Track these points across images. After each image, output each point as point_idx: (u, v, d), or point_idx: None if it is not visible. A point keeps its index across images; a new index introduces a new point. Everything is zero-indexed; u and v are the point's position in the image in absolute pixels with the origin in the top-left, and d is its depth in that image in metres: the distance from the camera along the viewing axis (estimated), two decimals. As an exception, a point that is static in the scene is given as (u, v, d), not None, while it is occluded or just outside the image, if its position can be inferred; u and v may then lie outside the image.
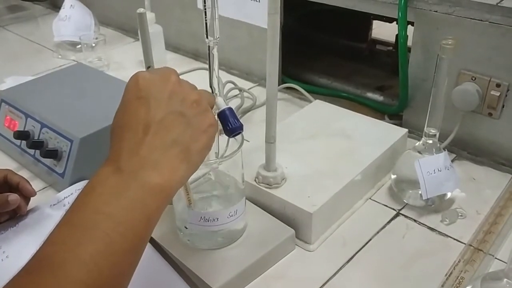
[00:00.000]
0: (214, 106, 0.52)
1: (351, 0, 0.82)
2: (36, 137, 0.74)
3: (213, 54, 0.50)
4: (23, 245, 0.60)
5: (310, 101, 0.90)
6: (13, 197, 0.61)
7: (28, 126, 0.76)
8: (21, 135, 0.75)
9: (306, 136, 0.74)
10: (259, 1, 0.95)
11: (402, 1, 0.74)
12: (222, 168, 0.58)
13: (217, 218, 0.55)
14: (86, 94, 0.82)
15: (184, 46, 1.18)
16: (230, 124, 0.49)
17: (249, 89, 0.99)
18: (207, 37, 0.50)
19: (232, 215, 0.56)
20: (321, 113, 0.81)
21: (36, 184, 0.74)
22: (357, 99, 0.95)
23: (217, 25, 0.49)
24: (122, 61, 1.15)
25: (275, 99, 0.59)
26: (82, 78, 0.89)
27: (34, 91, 0.84)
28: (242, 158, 0.56)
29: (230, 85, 0.99)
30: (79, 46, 1.16)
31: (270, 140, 0.61)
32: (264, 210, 0.63)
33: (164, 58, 1.12)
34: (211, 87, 0.52)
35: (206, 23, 0.49)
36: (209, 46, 0.50)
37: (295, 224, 0.61)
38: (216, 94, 0.52)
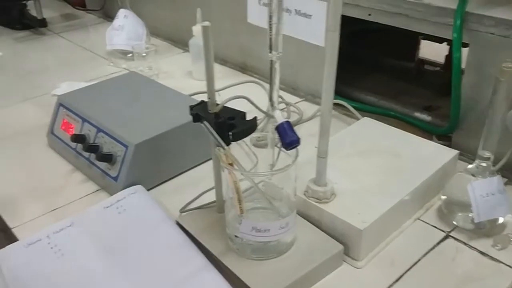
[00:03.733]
0: (273, 119, 0.53)
1: (405, 20, 0.83)
2: (92, 141, 0.77)
3: (275, 68, 0.51)
4: (77, 244, 0.62)
5: (357, 118, 0.90)
6: None
7: (84, 130, 0.79)
8: (78, 138, 0.78)
9: (354, 152, 0.74)
10: (310, 18, 0.96)
11: (458, 23, 0.74)
12: (274, 180, 0.59)
13: (269, 229, 0.56)
14: (140, 101, 0.85)
15: (232, 58, 1.20)
16: (288, 137, 0.50)
17: (295, 103, 1.00)
18: (270, 52, 0.51)
19: (283, 227, 0.57)
20: (369, 130, 0.81)
21: (89, 187, 0.77)
22: (405, 118, 0.94)
23: (281, 40, 0.50)
24: (171, 71, 1.18)
25: (330, 114, 0.59)
26: (135, 86, 0.91)
27: (90, 97, 0.87)
28: (296, 171, 0.57)
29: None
30: (130, 55, 1.20)
31: (322, 155, 0.61)
32: (313, 224, 0.64)
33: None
34: (271, 100, 0.53)
35: (270, 38, 0.50)
36: (271, 61, 0.51)
37: (343, 240, 0.61)
38: (275, 107, 0.53)
